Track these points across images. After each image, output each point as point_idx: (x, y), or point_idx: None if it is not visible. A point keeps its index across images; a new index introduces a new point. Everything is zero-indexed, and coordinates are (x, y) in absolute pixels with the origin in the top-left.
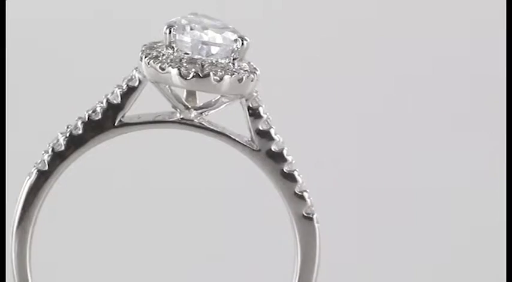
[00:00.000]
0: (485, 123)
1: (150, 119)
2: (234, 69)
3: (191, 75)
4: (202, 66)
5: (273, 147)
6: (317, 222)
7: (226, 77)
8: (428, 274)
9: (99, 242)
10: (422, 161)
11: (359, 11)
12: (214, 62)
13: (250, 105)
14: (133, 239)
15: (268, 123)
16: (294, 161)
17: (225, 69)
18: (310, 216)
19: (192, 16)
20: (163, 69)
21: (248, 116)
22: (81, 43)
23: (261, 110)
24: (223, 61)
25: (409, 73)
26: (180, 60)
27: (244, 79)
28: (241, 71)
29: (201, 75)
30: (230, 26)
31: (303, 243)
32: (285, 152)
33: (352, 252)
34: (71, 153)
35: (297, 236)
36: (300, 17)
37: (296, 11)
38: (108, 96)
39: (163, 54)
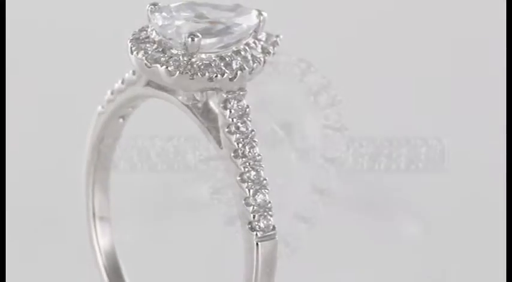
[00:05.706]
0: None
1: (167, 88)
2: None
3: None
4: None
5: (233, 154)
6: (260, 239)
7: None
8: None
9: None
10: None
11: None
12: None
13: (222, 105)
14: None
15: (233, 128)
16: (252, 172)
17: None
18: (252, 231)
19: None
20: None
21: (217, 115)
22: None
23: (226, 113)
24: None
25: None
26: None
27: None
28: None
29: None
30: (199, 19)
31: (246, 252)
32: (244, 160)
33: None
34: (115, 99)
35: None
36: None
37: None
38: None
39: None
